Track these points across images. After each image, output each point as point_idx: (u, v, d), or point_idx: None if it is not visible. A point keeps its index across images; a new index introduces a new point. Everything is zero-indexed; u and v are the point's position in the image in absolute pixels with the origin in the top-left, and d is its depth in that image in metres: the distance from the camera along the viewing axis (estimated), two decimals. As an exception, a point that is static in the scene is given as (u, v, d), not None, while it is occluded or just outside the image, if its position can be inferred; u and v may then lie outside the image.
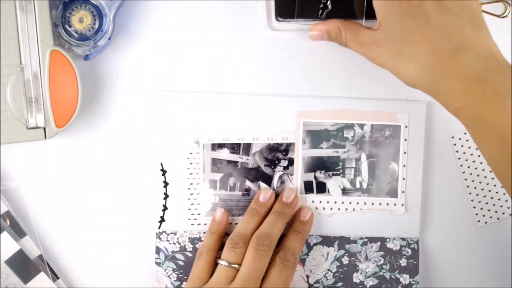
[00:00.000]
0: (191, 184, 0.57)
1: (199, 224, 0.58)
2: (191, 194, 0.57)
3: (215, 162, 0.56)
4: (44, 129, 0.53)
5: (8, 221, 0.55)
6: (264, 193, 0.56)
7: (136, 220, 0.57)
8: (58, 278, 0.56)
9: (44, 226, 0.57)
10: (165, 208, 0.57)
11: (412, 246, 0.58)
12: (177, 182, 0.57)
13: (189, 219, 0.58)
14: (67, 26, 0.54)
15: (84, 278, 0.57)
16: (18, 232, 0.55)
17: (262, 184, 0.57)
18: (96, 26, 0.54)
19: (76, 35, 0.54)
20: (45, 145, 0.56)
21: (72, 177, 0.57)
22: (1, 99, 0.52)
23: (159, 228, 0.57)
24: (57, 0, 0.53)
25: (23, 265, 0.55)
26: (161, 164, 0.57)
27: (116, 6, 0.54)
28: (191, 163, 0.57)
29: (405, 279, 0.58)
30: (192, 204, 0.57)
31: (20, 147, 0.56)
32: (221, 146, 0.57)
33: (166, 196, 0.57)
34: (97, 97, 0.57)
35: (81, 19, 0.54)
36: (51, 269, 0.56)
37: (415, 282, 0.58)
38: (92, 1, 0.54)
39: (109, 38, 0.54)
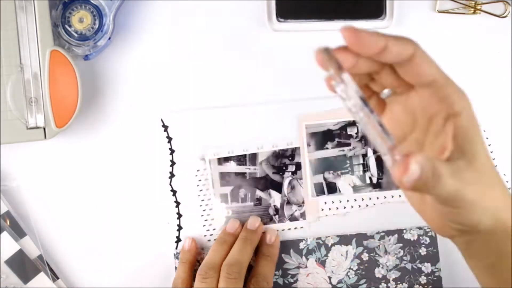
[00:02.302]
0: (203, 200, 0.57)
1: (215, 239, 0.57)
2: (204, 210, 0.57)
3: (223, 176, 0.56)
4: (44, 129, 0.53)
5: (8, 221, 0.55)
6: (231, 223, 0.56)
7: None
8: (58, 278, 0.56)
9: (44, 226, 0.57)
10: (179, 228, 0.56)
11: (429, 234, 0.57)
12: (188, 201, 0.57)
13: (204, 235, 0.57)
14: (67, 26, 0.53)
15: (84, 278, 0.57)
16: (18, 232, 0.55)
17: (273, 192, 0.57)
18: (96, 26, 0.54)
19: (76, 35, 0.54)
20: (45, 145, 0.56)
21: (72, 177, 0.57)
22: (1, 99, 0.52)
23: (176, 248, 0.57)
24: (57, 0, 0.53)
25: (23, 265, 0.55)
26: (171, 185, 0.57)
27: (116, 6, 0.54)
28: (199, 180, 0.57)
29: (427, 267, 0.57)
30: (206, 220, 0.57)
31: (20, 147, 0.56)
32: (227, 159, 0.57)
33: (180, 215, 0.57)
34: (97, 97, 0.57)
35: (81, 19, 0.54)
36: (51, 269, 0.56)
37: (437, 269, 0.57)
38: (92, 1, 0.54)
39: (109, 38, 0.54)
